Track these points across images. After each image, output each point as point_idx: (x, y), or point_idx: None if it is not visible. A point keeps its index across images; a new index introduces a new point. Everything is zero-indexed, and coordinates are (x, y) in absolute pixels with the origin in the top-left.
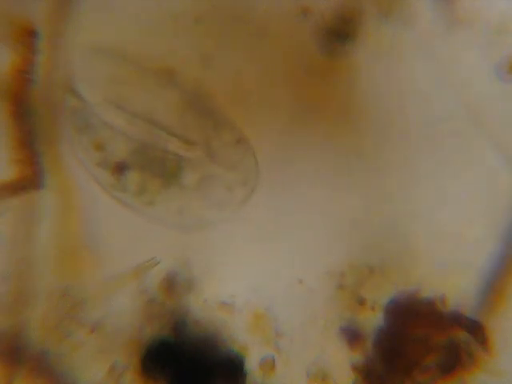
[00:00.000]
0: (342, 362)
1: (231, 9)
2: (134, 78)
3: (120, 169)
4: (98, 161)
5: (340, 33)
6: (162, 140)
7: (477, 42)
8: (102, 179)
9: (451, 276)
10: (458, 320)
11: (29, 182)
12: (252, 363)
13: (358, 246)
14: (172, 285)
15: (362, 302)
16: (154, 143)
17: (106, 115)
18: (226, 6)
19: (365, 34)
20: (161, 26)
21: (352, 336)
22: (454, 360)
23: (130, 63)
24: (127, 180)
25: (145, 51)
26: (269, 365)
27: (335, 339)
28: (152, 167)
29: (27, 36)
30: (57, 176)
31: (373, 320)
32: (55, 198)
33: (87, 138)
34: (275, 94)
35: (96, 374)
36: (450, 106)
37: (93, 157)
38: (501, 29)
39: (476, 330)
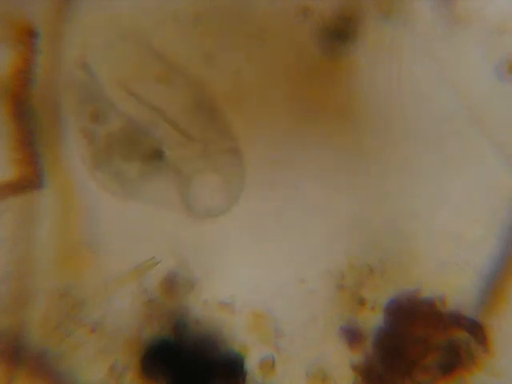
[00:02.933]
0: (341, 362)
1: (231, 8)
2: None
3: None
4: (86, 130)
5: (340, 33)
6: (161, 130)
7: (477, 41)
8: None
9: (451, 276)
10: (457, 320)
11: (29, 182)
12: (252, 363)
13: (358, 245)
14: (172, 285)
15: (362, 302)
16: (150, 131)
17: (112, 95)
18: (226, 6)
19: (365, 34)
20: (160, 26)
21: (352, 336)
22: (454, 360)
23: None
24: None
25: (144, 51)
26: (269, 365)
27: (335, 339)
28: (135, 151)
29: (27, 36)
30: (57, 176)
31: (373, 320)
32: (55, 198)
33: (86, 106)
34: (275, 94)
35: (96, 374)
36: (450, 105)
37: (83, 123)
38: (501, 29)
39: (476, 329)
